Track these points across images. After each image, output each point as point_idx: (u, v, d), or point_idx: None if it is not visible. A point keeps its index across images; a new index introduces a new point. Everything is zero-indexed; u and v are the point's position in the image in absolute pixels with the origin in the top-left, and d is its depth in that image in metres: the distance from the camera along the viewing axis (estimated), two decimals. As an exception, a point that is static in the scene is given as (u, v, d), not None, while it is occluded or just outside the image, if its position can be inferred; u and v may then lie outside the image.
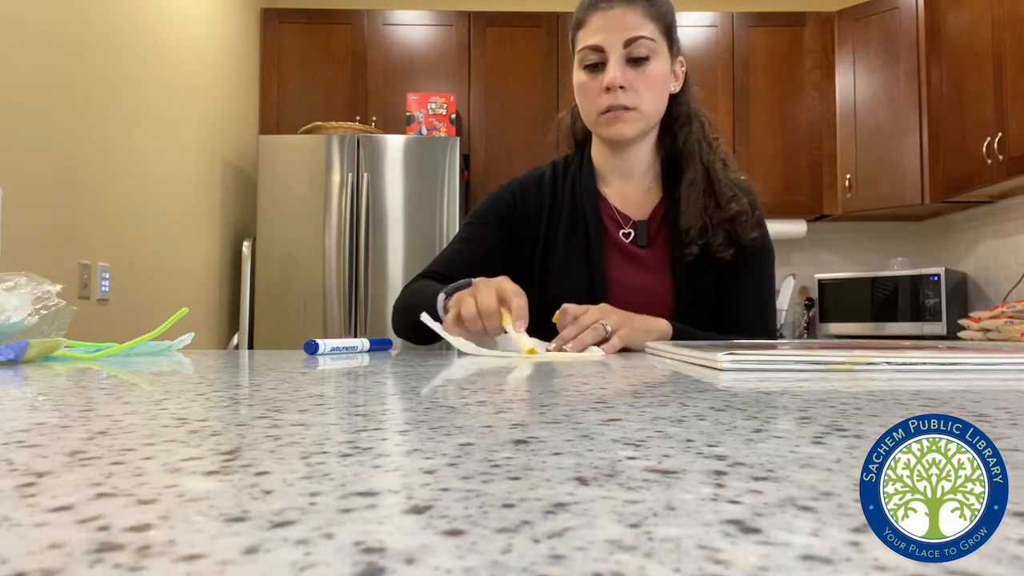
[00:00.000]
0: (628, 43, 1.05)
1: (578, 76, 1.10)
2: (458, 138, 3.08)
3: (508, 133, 3.42)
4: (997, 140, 2.68)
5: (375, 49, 3.43)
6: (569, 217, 1.15)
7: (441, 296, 0.99)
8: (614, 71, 1.05)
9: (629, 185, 1.17)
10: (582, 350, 0.88)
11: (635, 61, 1.06)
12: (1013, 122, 2.61)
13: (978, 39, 2.83)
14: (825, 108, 3.45)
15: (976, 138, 2.81)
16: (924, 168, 3.18)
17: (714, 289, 1.12)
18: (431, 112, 3.23)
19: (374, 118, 3.38)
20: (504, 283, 0.91)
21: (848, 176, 3.37)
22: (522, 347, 0.83)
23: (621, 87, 1.05)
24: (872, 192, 3.32)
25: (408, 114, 3.24)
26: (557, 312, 0.95)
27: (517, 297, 0.88)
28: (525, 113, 3.43)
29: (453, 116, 3.24)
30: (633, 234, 1.14)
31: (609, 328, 0.91)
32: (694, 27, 3.46)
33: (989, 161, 2.73)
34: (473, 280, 0.94)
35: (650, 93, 1.07)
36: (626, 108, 1.07)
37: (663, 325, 1.01)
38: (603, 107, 1.07)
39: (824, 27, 3.47)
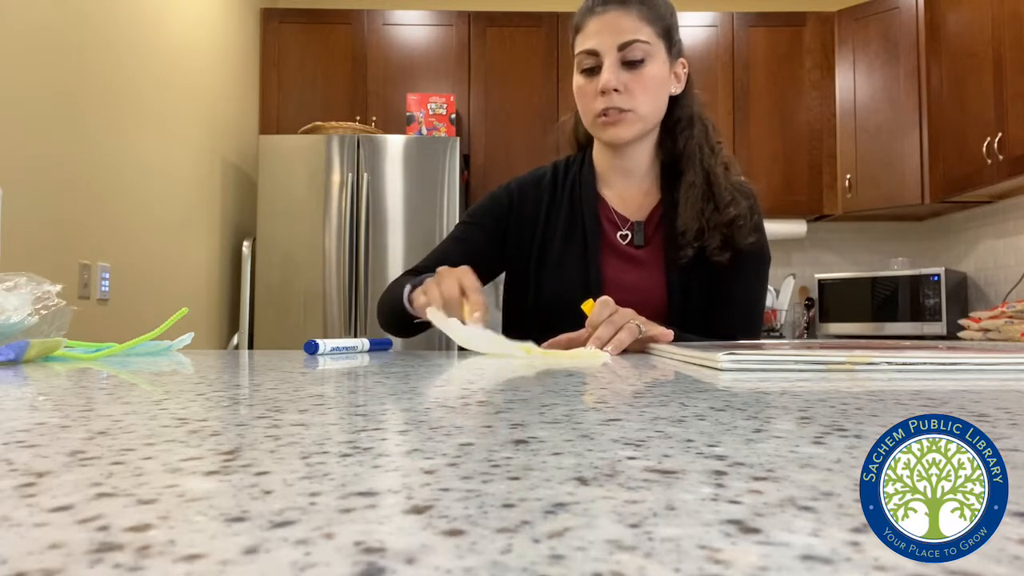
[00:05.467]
0: (623, 47, 1.06)
1: (576, 80, 1.12)
2: (458, 138, 3.08)
3: (508, 133, 3.42)
4: (997, 140, 2.68)
5: (375, 49, 3.43)
6: (567, 218, 1.16)
7: (407, 288, 1.03)
8: (608, 74, 1.06)
9: (629, 187, 1.18)
10: (619, 352, 0.87)
11: (630, 64, 1.07)
12: (1013, 122, 2.61)
13: (978, 39, 2.83)
14: (825, 108, 3.45)
15: (976, 138, 2.81)
16: (924, 168, 3.18)
17: (707, 290, 1.12)
18: (431, 112, 3.23)
19: (374, 118, 3.38)
20: (465, 276, 0.92)
21: (848, 176, 3.37)
22: (470, 338, 0.84)
23: (616, 90, 1.06)
24: (872, 192, 3.32)
25: (408, 114, 3.24)
26: (589, 300, 0.93)
27: (476, 293, 0.90)
28: (525, 113, 3.43)
29: (453, 116, 3.24)
30: (630, 235, 1.15)
31: (643, 329, 0.90)
32: (694, 27, 3.46)
33: (989, 161, 2.73)
34: (437, 270, 0.96)
35: (646, 95, 1.08)
36: (622, 111, 1.07)
37: (670, 337, 1.01)
38: (599, 110, 1.08)
39: (824, 27, 3.47)
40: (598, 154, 1.19)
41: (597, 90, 1.07)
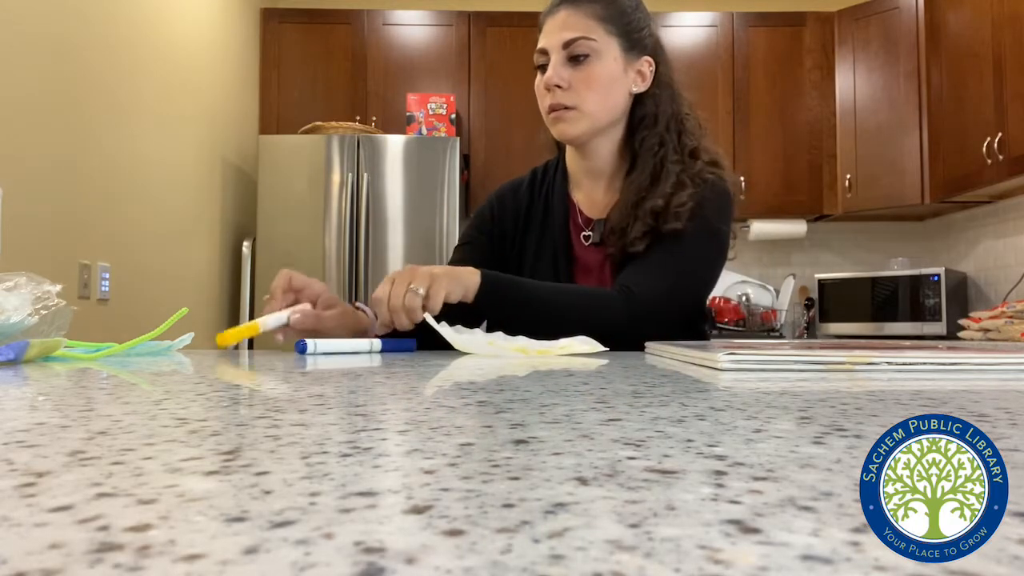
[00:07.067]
0: (567, 44, 1.08)
1: (536, 79, 1.14)
2: (458, 138, 3.08)
3: (508, 133, 3.42)
4: (997, 140, 2.68)
5: (375, 49, 3.43)
6: (540, 224, 1.17)
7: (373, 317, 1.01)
8: (550, 71, 1.08)
9: (596, 188, 1.17)
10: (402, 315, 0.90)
11: (575, 60, 1.08)
12: (1013, 122, 2.61)
13: (978, 39, 2.83)
14: (825, 108, 3.45)
15: (976, 138, 2.81)
16: (924, 168, 3.18)
17: None
18: (431, 112, 3.22)
19: (374, 118, 3.38)
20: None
21: (848, 176, 3.37)
22: (466, 341, 0.85)
23: (558, 86, 1.08)
24: (872, 192, 3.32)
25: (408, 114, 3.24)
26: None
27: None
28: (525, 113, 3.42)
29: (453, 116, 3.24)
30: (592, 235, 1.15)
31: (421, 291, 0.89)
32: (694, 27, 3.46)
33: (989, 161, 2.72)
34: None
35: (591, 92, 1.08)
36: (566, 107, 1.08)
37: (468, 273, 0.96)
38: (546, 107, 1.10)
39: (824, 27, 3.47)
40: (568, 156, 1.20)
41: (544, 87, 1.09)
